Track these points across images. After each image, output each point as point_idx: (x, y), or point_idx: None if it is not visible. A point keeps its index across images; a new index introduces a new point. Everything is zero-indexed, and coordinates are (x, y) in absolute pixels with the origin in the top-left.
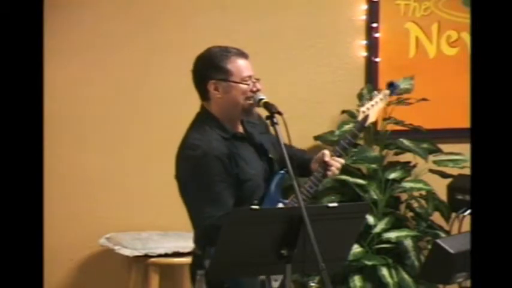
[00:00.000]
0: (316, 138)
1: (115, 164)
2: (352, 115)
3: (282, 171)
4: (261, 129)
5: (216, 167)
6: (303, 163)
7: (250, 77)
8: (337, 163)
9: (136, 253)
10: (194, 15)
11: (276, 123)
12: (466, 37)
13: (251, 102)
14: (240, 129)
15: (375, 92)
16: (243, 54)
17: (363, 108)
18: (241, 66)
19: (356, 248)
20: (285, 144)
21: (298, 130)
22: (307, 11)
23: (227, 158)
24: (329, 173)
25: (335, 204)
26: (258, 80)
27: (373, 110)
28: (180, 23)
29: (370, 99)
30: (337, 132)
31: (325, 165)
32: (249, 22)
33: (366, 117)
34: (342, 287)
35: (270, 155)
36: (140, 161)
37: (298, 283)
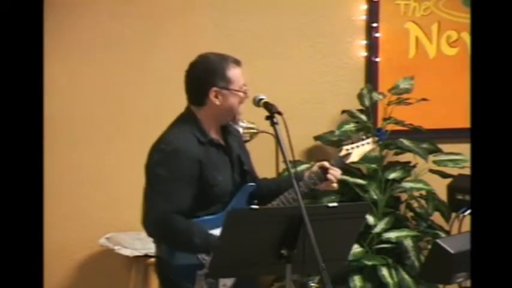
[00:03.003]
0: (316, 138)
1: (115, 164)
2: (352, 115)
3: (252, 184)
4: (239, 142)
5: (182, 166)
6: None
7: (244, 84)
8: (336, 172)
9: (137, 253)
10: (194, 15)
11: (276, 123)
12: (466, 37)
13: (240, 110)
14: (218, 137)
15: (364, 137)
16: (237, 62)
17: (346, 147)
18: (238, 74)
19: (356, 248)
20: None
21: (298, 130)
22: (307, 11)
23: (197, 161)
24: (329, 176)
25: (335, 204)
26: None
27: (357, 151)
28: (180, 23)
29: (357, 141)
30: (337, 132)
31: (325, 171)
32: (249, 22)
33: (348, 155)
34: (342, 287)
35: (245, 168)
36: (140, 161)
37: (298, 283)
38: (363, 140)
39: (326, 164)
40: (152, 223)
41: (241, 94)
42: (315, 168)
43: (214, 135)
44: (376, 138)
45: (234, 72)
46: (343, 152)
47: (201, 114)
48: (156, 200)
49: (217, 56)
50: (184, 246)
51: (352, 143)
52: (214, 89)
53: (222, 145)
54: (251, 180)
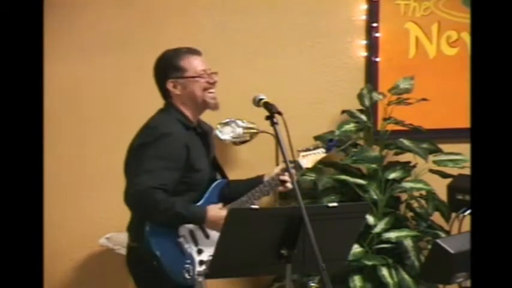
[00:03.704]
0: (316, 138)
1: (115, 163)
2: (352, 115)
3: (224, 180)
4: (212, 138)
5: (170, 147)
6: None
7: (204, 70)
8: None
9: None
10: (194, 15)
11: (276, 123)
12: (466, 37)
13: (212, 94)
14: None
15: (319, 145)
16: (194, 51)
17: (303, 153)
18: (193, 62)
19: (356, 248)
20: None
21: (298, 130)
22: (307, 11)
23: (185, 144)
24: (287, 186)
25: (335, 204)
26: (215, 73)
27: (309, 158)
28: (180, 23)
29: (313, 149)
30: (337, 132)
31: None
32: (249, 22)
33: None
34: (342, 287)
35: (218, 162)
36: None
37: (298, 283)
38: (317, 148)
39: (278, 170)
40: (132, 196)
41: (199, 80)
42: (277, 170)
43: (196, 125)
44: (325, 149)
45: (188, 61)
46: (300, 158)
47: (177, 105)
48: (142, 176)
49: (171, 50)
50: (166, 218)
51: (307, 150)
52: (170, 80)
53: (202, 135)
54: (222, 177)
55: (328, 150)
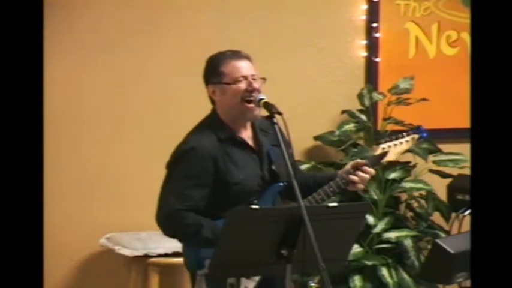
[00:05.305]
0: (316, 138)
1: (115, 164)
2: (352, 115)
3: (281, 183)
4: (273, 140)
5: (194, 164)
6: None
7: (245, 77)
8: (365, 174)
9: (136, 253)
10: (194, 15)
11: (276, 124)
12: (466, 37)
13: (250, 104)
14: (245, 134)
15: (404, 134)
16: (239, 56)
17: (383, 145)
18: (234, 67)
19: (356, 248)
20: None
21: (298, 130)
22: (307, 11)
23: (211, 159)
24: (351, 177)
25: (335, 204)
26: (263, 79)
27: (395, 149)
28: (180, 23)
29: (396, 138)
30: (337, 132)
31: (355, 171)
32: (249, 22)
33: (384, 154)
34: (342, 287)
35: (273, 167)
36: (140, 161)
37: (298, 283)
38: (402, 137)
39: (360, 161)
40: (162, 219)
41: (234, 87)
42: (348, 167)
43: (241, 132)
44: (417, 136)
45: (229, 65)
46: (378, 151)
47: (219, 112)
48: (168, 197)
49: (218, 53)
50: (194, 241)
51: (390, 141)
52: (210, 85)
53: (246, 143)
54: (283, 178)
55: (421, 138)
